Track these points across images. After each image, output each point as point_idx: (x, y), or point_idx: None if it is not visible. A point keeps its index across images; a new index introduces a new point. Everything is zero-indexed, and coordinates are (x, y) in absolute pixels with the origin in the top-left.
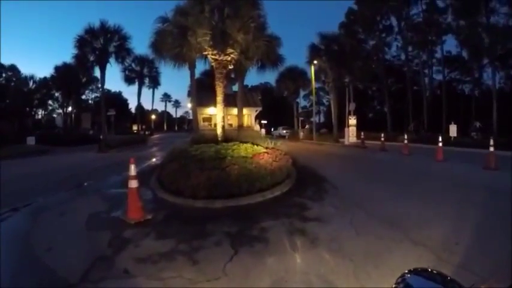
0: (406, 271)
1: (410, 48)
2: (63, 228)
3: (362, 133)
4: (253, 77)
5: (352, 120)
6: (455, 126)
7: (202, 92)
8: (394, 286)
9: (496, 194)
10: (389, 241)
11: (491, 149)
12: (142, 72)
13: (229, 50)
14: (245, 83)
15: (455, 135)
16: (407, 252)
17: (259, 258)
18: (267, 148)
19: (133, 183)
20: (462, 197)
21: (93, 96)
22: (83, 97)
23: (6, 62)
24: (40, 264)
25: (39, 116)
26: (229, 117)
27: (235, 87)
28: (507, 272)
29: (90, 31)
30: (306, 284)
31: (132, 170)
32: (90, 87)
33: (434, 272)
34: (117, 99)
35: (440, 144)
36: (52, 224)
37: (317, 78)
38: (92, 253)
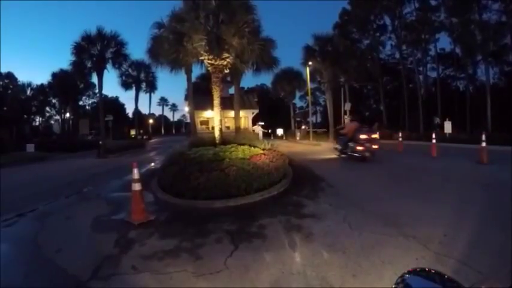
0: (406, 271)
1: (404, 47)
2: (70, 230)
3: None
4: (250, 79)
5: (348, 120)
6: (450, 122)
7: (199, 96)
8: (393, 286)
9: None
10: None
11: (483, 144)
12: (139, 77)
13: (225, 55)
14: (241, 85)
15: (450, 131)
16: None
17: (258, 252)
18: (263, 149)
19: (137, 186)
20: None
21: (90, 102)
22: (80, 103)
23: (2, 69)
24: (51, 264)
25: (37, 123)
26: (226, 119)
27: (232, 90)
28: (507, 271)
29: (87, 38)
30: (301, 275)
31: (135, 173)
32: (87, 93)
33: (434, 272)
34: (115, 105)
35: (434, 141)
36: (59, 227)
37: (312, 79)
38: (99, 253)
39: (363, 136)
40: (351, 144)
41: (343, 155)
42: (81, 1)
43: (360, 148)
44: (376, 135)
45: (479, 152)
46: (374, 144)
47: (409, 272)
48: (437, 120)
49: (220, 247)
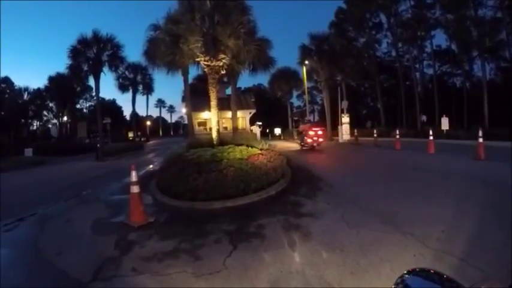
0: (405, 272)
1: (400, 44)
2: (70, 233)
3: (355, 130)
4: (246, 80)
5: (345, 118)
6: (447, 119)
7: (196, 97)
8: (393, 287)
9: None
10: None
11: (480, 140)
12: (135, 80)
13: (221, 56)
14: (238, 85)
15: (447, 128)
16: None
17: (256, 252)
18: (261, 150)
19: (135, 189)
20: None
21: (87, 105)
22: (78, 106)
23: None
24: (52, 267)
25: (35, 127)
26: (223, 120)
27: (229, 91)
28: (507, 271)
29: (83, 41)
30: (300, 273)
31: (133, 176)
32: (85, 96)
33: (433, 272)
34: (112, 107)
35: (431, 137)
36: (59, 231)
37: (309, 78)
38: (100, 255)
39: (311, 133)
40: (305, 138)
41: (303, 148)
42: (76, 3)
43: (309, 140)
44: (321, 132)
45: (476, 148)
46: (320, 138)
47: (408, 272)
48: (423, 117)
49: (219, 247)
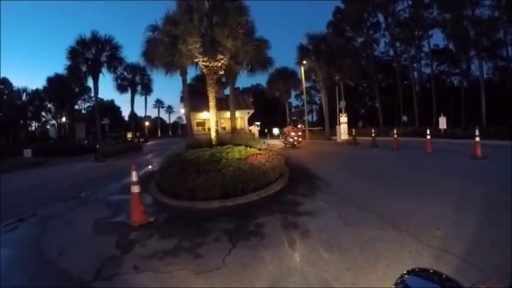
0: (405, 272)
1: (398, 44)
2: (72, 233)
3: (353, 130)
4: (245, 80)
5: (343, 118)
6: (444, 118)
7: (195, 97)
8: (393, 287)
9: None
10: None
11: (477, 139)
12: (134, 80)
13: (219, 56)
14: (236, 85)
15: (445, 127)
16: None
17: (255, 250)
18: (260, 149)
19: (136, 188)
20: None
21: (86, 106)
22: (76, 107)
23: None
24: (54, 266)
25: (33, 128)
26: (222, 120)
27: (227, 91)
28: (507, 271)
29: (81, 42)
30: (299, 271)
31: (134, 176)
32: (83, 97)
33: (433, 272)
34: (110, 108)
35: (429, 137)
36: (61, 231)
37: (307, 78)
38: (101, 254)
39: (292, 133)
40: (287, 138)
41: (287, 146)
42: (75, 4)
43: (290, 140)
44: (300, 133)
45: (473, 147)
46: (300, 138)
47: (408, 272)
48: (404, 118)
49: (219, 246)
